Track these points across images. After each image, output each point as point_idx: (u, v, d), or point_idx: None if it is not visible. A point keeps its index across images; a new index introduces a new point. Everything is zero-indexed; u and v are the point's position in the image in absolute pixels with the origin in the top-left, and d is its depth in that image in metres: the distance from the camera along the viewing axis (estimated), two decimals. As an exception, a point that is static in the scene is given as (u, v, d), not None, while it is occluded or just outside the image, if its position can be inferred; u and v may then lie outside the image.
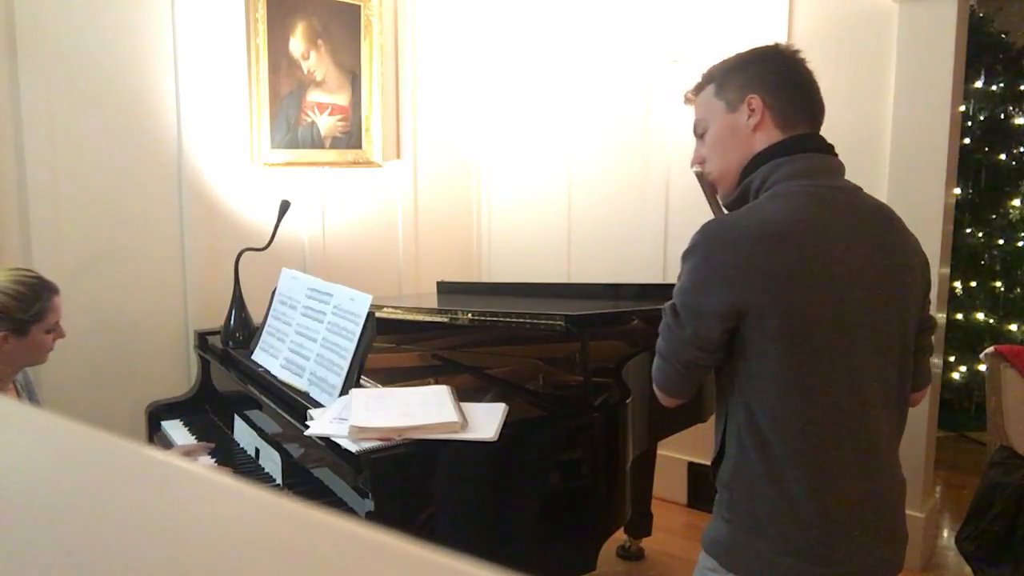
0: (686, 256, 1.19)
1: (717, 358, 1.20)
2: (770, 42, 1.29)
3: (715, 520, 1.25)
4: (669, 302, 1.22)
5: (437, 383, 1.71)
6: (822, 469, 1.14)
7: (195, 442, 2.10)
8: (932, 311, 1.36)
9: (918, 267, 1.24)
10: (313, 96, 3.00)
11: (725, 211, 1.33)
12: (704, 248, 1.16)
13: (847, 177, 1.27)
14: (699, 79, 1.34)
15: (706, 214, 1.35)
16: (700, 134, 1.33)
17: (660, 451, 2.66)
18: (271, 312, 2.12)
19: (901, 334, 1.20)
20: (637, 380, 1.84)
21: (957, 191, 3.53)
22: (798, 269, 1.11)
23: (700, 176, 1.39)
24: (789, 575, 1.15)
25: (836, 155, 1.25)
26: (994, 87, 3.91)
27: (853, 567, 1.16)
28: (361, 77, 3.13)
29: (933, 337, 1.33)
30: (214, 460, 1.98)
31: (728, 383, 1.22)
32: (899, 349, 1.20)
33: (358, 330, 1.72)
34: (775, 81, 1.24)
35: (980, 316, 3.89)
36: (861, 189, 1.25)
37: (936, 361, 2.59)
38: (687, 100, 1.37)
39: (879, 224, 1.20)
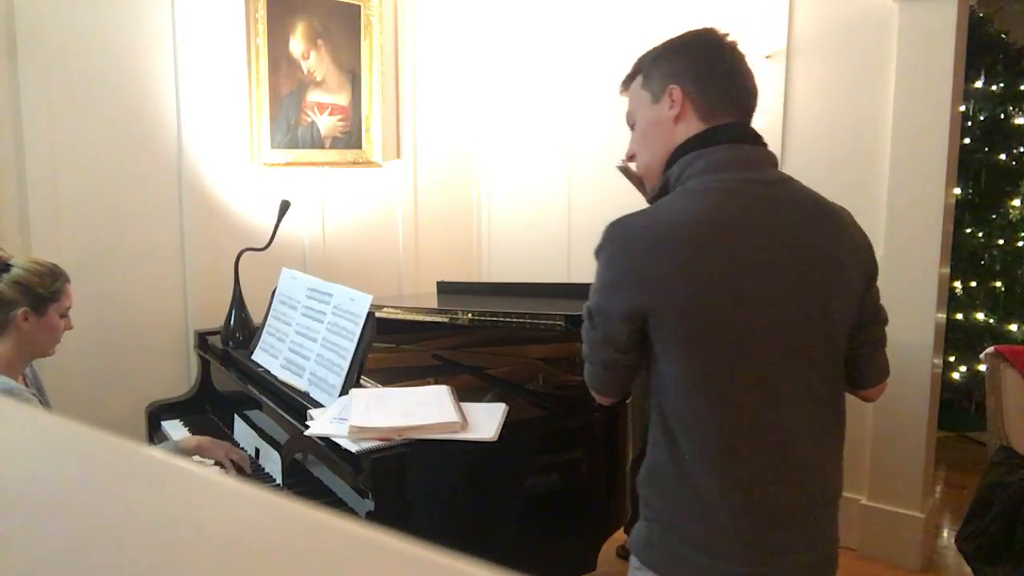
0: (595, 256, 1.17)
1: (634, 358, 1.17)
2: (700, 28, 1.24)
3: (639, 520, 1.24)
4: (586, 303, 1.20)
5: (437, 383, 1.71)
6: (731, 470, 1.11)
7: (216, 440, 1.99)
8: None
9: (853, 263, 1.17)
10: (313, 96, 3.00)
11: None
12: (607, 250, 1.14)
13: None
14: (631, 68, 1.30)
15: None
16: (631, 126, 1.30)
17: (660, 451, 2.66)
18: (271, 312, 2.12)
19: (826, 334, 1.15)
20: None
21: (957, 191, 3.53)
22: (694, 271, 1.08)
23: (625, 171, 1.36)
24: (703, 573, 1.13)
25: (762, 144, 1.20)
26: (994, 87, 3.91)
27: (770, 569, 1.13)
28: (361, 77, 3.13)
29: (886, 328, 1.27)
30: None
31: (647, 382, 1.20)
32: (824, 348, 1.15)
33: (358, 330, 1.72)
34: (697, 70, 1.20)
35: (980, 316, 3.89)
36: (790, 181, 1.19)
37: (936, 361, 2.59)
38: (621, 92, 1.33)
39: (801, 219, 1.14)
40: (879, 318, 1.25)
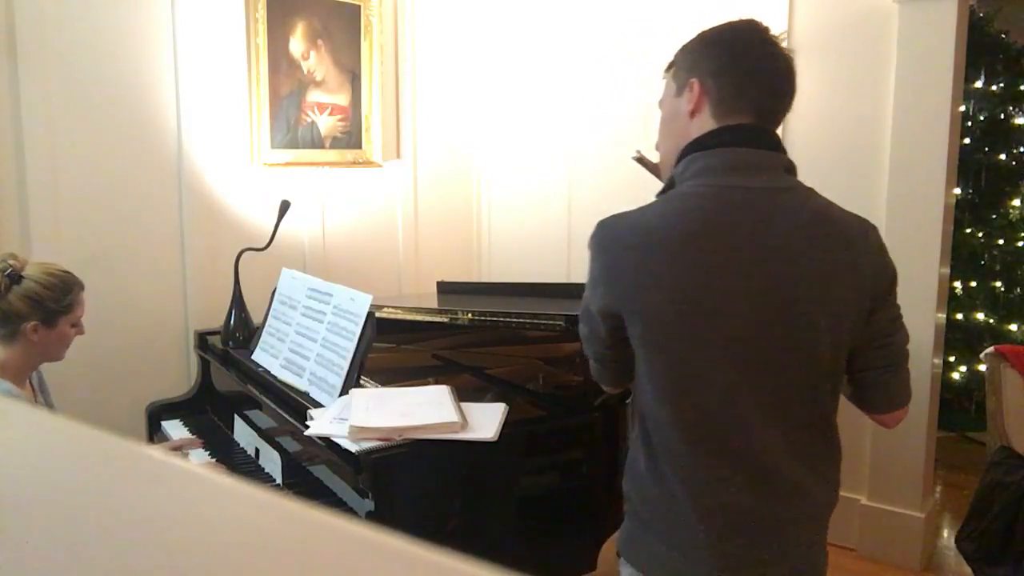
0: (588, 249, 1.18)
1: (619, 353, 1.17)
2: (739, 20, 1.18)
3: (624, 515, 1.26)
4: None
5: (437, 383, 1.71)
6: (699, 476, 1.10)
7: (186, 436, 2.11)
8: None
9: (851, 279, 1.09)
10: (313, 96, 3.00)
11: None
12: (591, 247, 1.15)
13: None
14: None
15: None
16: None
17: (660, 451, 2.66)
18: (271, 312, 2.12)
19: (807, 353, 1.08)
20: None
21: (957, 191, 3.53)
22: (659, 277, 1.07)
23: (640, 161, 1.35)
24: (678, 571, 1.13)
25: (773, 149, 1.13)
26: (994, 87, 3.91)
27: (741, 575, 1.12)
28: (361, 77, 3.13)
29: (892, 352, 1.17)
30: (211, 457, 1.98)
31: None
32: (801, 367, 1.09)
33: (358, 330, 1.72)
34: (720, 65, 1.14)
35: (980, 316, 3.88)
36: (795, 190, 1.12)
37: (936, 361, 2.59)
38: (663, 79, 1.29)
39: (789, 230, 1.07)
40: (891, 341, 1.16)
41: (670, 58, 1.26)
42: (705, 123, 1.15)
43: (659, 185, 1.25)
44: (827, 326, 1.08)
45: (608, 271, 1.12)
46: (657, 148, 1.29)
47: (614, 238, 1.12)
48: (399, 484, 1.42)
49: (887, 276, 1.16)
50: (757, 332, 1.07)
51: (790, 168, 1.15)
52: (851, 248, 1.10)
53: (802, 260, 1.07)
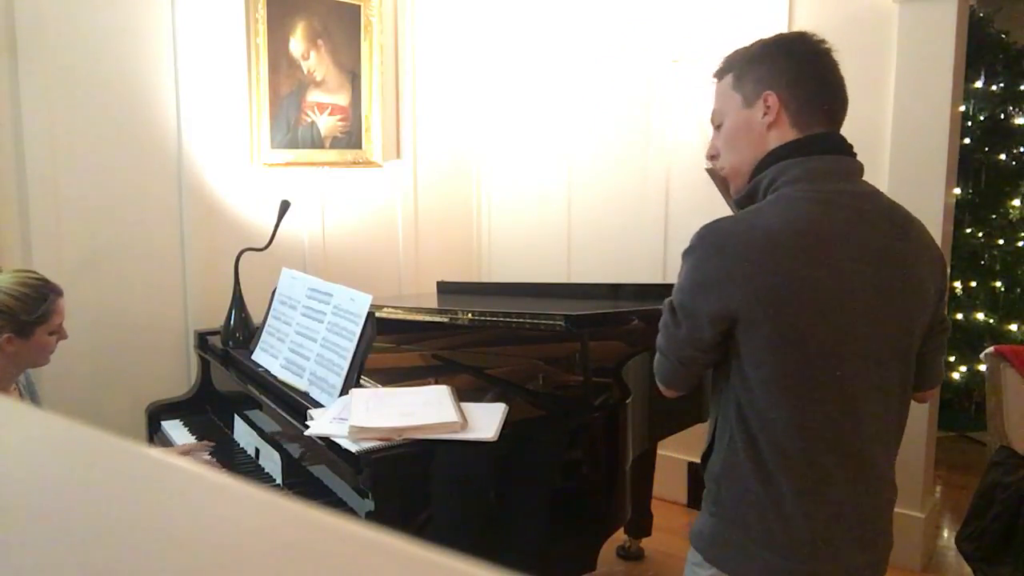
0: (685, 256, 1.18)
1: (713, 356, 1.19)
2: (795, 32, 1.25)
3: (702, 514, 1.26)
4: (668, 298, 1.22)
5: (437, 383, 1.71)
6: (810, 473, 1.14)
7: (195, 442, 2.09)
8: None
9: (930, 275, 1.20)
10: (313, 96, 3.00)
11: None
12: (700, 251, 1.15)
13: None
14: (722, 63, 1.29)
15: (706, 214, 1.34)
16: (717, 125, 1.30)
17: (660, 451, 2.66)
18: (271, 312, 2.12)
19: (903, 344, 1.18)
20: (637, 380, 1.84)
21: (957, 191, 3.53)
22: (790, 280, 1.10)
23: (712, 172, 1.36)
24: (767, 569, 1.16)
25: (853, 155, 1.22)
26: (994, 87, 3.91)
27: (832, 567, 1.17)
28: (361, 77, 3.13)
29: (946, 336, 1.32)
30: (212, 457, 1.98)
31: (723, 380, 1.22)
32: (900, 359, 1.18)
33: (358, 330, 1.72)
34: (794, 77, 1.20)
35: (980, 316, 3.88)
36: (878, 193, 1.21)
37: (936, 361, 2.59)
38: (713, 83, 1.32)
39: (890, 231, 1.17)
40: (945, 326, 1.30)
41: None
42: (785, 133, 1.20)
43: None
44: (919, 320, 1.19)
45: (729, 274, 1.11)
46: (712, 158, 1.31)
47: (734, 241, 1.13)
48: (399, 484, 1.42)
49: (945, 270, 1.28)
50: (871, 331, 1.14)
51: (863, 172, 1.23)
52: (927, 246, 1.22)
53: (903, 261, 1.16)
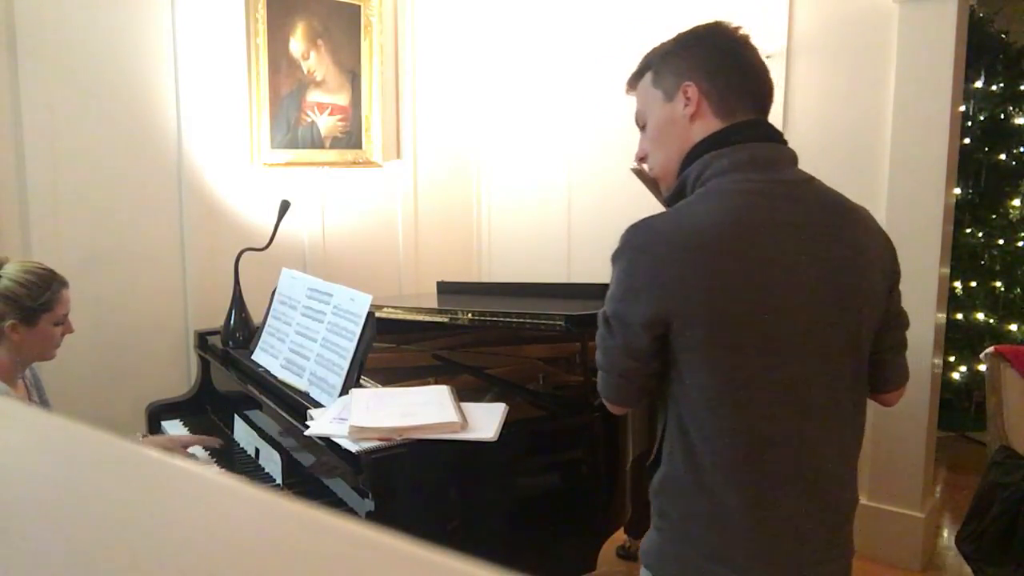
0: (613, 260, 1.12)
1: (654, 366, 1.11)
2: (710, 22, 1.19)
3: (650, 530, 1.20)
4: (601, 310, 1.14)
5: (437, 383, 1.71)
6: (755, 481, 1.07)
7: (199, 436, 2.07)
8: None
9: (876, 264, 1.13)
10: (313, 96, 3.00)
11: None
12: (627, 254, 1.09)
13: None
14: (638, 64, 1.24)
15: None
16: (642, 126, 1.24)
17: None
18: (271, 312, 2.12)
19: (852, 339, 1.10)
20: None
21: (957, 191, 3.53)
22: (723, 277, 1.03)
23: (639, 173, 1.31)
24: None
25: (784, 142, 1.15)
26: (994, 87, 3.91)
27: None
28: (361, 77, 3.13)
29: (903, 331, 1.22)
30: (211, 457, 1.98)
31: (665, 389, 1.14)
32: (850, 355, 1.11)
33: (358, 330, 1.72)
34: (712, 65, 1.14)
35: (980, 316, 3.88)
36: (814, 180, 1.14)
37: (936, 361, 2.59)
38: (627, 91, 1.26)
39: (828, 220, 1.10)
40: (901, 321, 1.21)
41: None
42: (709, 124, 1.14)
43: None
44: (866, 313, 1.11)
45: (655, 275, 1.05)
46: (641, 159, 1.26)
47: (660, 241, 1.06)
48: (399, 484, 1.42)
49: (897, 259, 1.20)
50: (814, 326, 1.07)
51: (796, 160, 1.16)
52: (872, 234, 1.14)
53: (843, 250, 1.09)
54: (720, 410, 1.07)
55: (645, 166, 1.27)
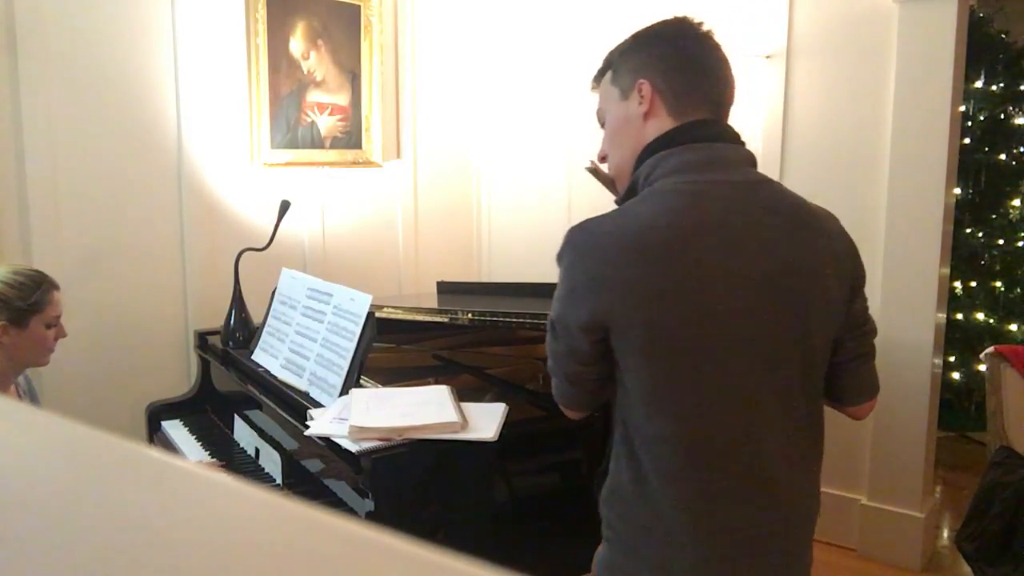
0: (557, 262, 1.09)
1: (600, 370, 1.09)
2: (672, 17, 1.16)
3: (602, 541, 1.17)
4: (550, 313, 1.12)
5: (437, 383, 1.71)
6: (695, 492, 1.04)
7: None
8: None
9: (833, 271, 1.07)
10: (313, 96, 3.00)
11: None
12: (567, 256, 1.07)
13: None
14: (601, 62, 1.22)
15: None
16: (602, 124, 1.22)
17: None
18: (271, 312, 2.12)
19: (801, 347, 1.06)
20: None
21: (957, 191, 3.53)
22: (661, 281, 1.00)
23: (594, 172, 1.28)
24: None
25: (738, 143, 1.11)
26: (994, 87, 3.91)
27: None
28: (361, 77, 3.13)
29: (869, 340, 1.17)
30: (211, 457, 1.98)
31: (612, 396, 1.12)
32: (800, 363, 1.06)
33: (358, 330, 1.72)
34: (668, 63, 1.11)
35: (980, 316, 3.88)
36: (768, 183, 1.10)
37: (936, 361, 2.59)
38: (591, 89, 1.24)
39: (776, 223, 1.05)
40: (866, 329, 1.16)
41: None
42: (663, 123, 1.11)
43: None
44: (818, 318, 1.07)
45: (595, 279, 1.03)
46: (602, 159, 1.24)
47: (599, 243, 1.04)
48: (399, 484, 1.42)
49: (861, 266, 1.14)
50: (759, 332, 1.03)
51: (754, 162, 1.12)
52: (830, 238, 1.09)
53: (792, 253, 1.05)
54: (658, 417, 1.04)
55: (604, 166, 1.25)
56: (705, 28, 1.14)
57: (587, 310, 1.04)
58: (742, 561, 1.06)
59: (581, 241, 1.06)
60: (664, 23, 1.16)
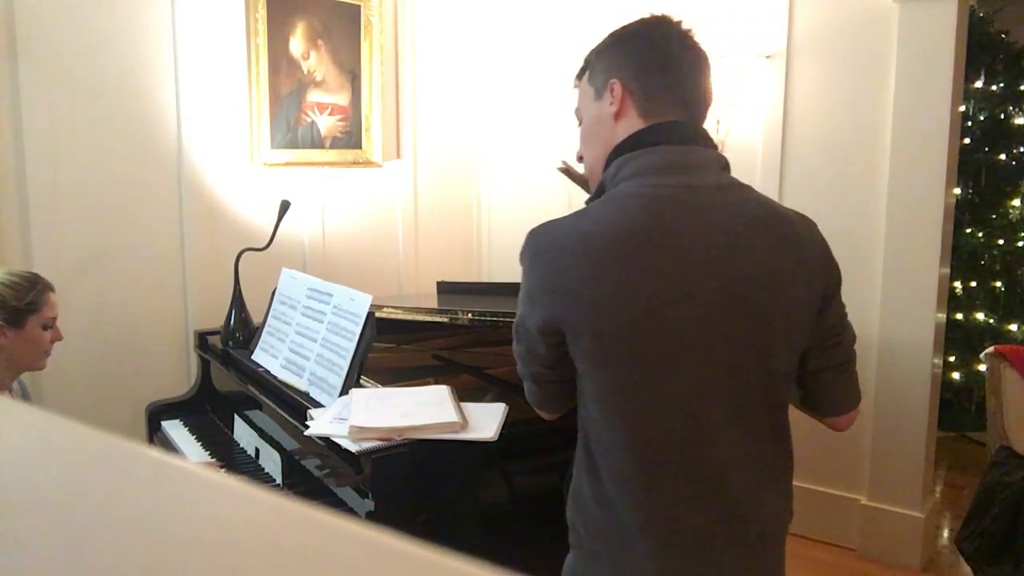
0: (520, 262, 1.09)
1: (562, 372, 1.08)
2: (651, 15, 1.13)
3: (570, 547, 1.17)
4: None
5: (437, 383, 1.71)
6: (649, 498, 1.02)
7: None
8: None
9: (801, 278, 1.04)
10: (313, 96, 3.00)
11: None
12: (526, 258, 1.07)
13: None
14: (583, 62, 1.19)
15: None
16: (579, 123, 1.21)
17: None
18: (271, 312, 2.12)
19: (762, 356, 1.03)
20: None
21: (957, 191, 3.53)
22: (613, 286, 0.98)
23: (567, 172, 1.27)
24: None
25: (709, 145, 1.08)
26: (994, 87, 3.91)
27: None
28: (361, 77, 3.13)
29: (849, 351, 1.13)
30: (211, 457, 1.98)
31: (576, 402, 1.11)
32: (761, 371, 1.03)
33: (358, 330, 1.72)
34: (641, 62, 1.09)
35: (980, 316, 3.89)
36: (737, 188, 1.07)
37: (936, 361, 2.59)
38: (574, 87, 1.22)
39: (738, 229, 1.01)
40: (842, 339, 1.12)
41: None
42: (633, 124, 1.09)
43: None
44: (782, 326, 1.03)
45: (549, 282, 1.02)
46: (580, 159, 1.22)
47: (553, 246, 1.03)
48: (399, 484, 1.42)
49: (835, 273, 1.11)
50: (714, 339, 1.00)
51: (726, 165, 1.10)
52: (800, 245, 1.06)
53: (755, 259, 1.02)
54: (613, 423, 1.02)
55: (581, 166, 1.24)
56: (684, 27, 1.11)
57: (541, 313, 1.04)
58: (699, 569, 1.04)
59: (536, 243, 1.06)
60: (641, 21, 1.13)
